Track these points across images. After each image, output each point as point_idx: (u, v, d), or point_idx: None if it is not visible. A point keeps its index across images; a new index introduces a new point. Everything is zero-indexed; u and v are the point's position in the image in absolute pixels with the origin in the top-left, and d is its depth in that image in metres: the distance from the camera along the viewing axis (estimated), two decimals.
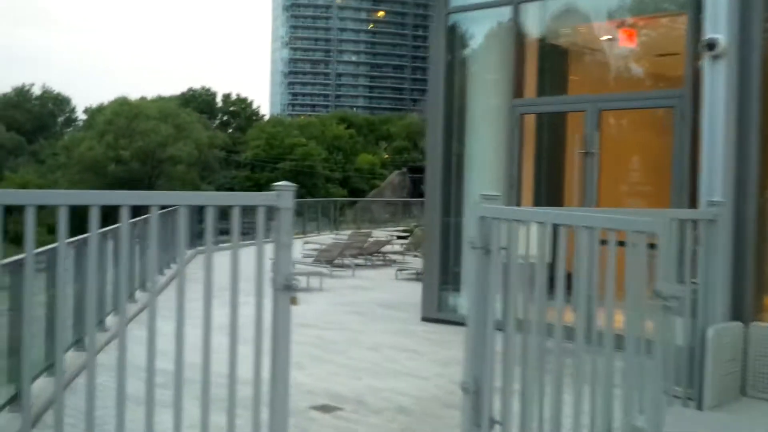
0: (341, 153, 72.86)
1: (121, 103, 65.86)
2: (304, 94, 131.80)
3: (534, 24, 9.12)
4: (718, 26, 5.90)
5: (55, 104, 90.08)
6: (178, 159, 61.29)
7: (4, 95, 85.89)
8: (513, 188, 8.99)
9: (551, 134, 9.62)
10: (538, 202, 9.29)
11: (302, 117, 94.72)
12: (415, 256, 16.16)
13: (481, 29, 9.67)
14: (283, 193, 3.98)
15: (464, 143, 9.73)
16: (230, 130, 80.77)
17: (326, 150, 70.91)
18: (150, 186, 60.34)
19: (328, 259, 14.81)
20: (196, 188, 63.45)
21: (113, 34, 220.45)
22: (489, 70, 9.67)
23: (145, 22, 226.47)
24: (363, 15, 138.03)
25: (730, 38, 5.88)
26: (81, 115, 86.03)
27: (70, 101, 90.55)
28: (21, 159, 74.33)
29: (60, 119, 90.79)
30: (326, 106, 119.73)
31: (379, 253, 17.11)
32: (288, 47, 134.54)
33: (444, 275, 9.68)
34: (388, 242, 17.55)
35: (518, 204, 8.90)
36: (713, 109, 6.02)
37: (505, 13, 9.14)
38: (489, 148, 9.56)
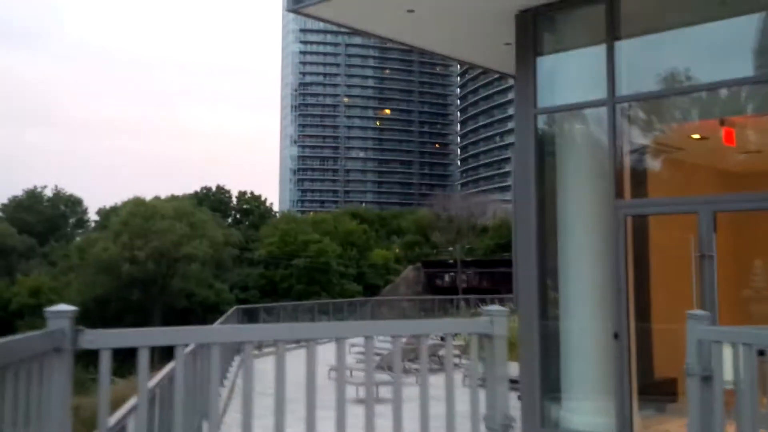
0: (355, 248, 72.74)
1: (137, 204, 66.18)
2: (313, 191, 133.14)
3: (632, 123, 8.95)
4: None
5: (67, 206, 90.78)
6: (193, 258, 61.08)
7: (16, 198, 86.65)
8: (621, 293, 8.59)
9: (659, 236, 9.30)
10: (644, 308, 8.88)
11: (312, 213, 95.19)
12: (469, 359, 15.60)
13: (574, 128, 9.49)
14: (497, 318, 3.64)
15: (558, 245, 9.40)
16: (243, 228, 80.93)
17: (340, 246, 70.81)
18: (164, 286, 59.99)
19: (389, 364, 14.24)
20: (210, 287, 63.05)
21: (123, 133, 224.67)
22: (585, 170, 9.42)
23: (153, 120, 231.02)
24: (370, 113, 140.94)
25: None
26: (93, 216, 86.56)
27: (81, 202, 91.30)
28: (33, 261, 74.19)
29: (71, 220, 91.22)
30: (335, 202, 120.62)
31: (434, 356, 16.55)
32: (297, 145, 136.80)
33: (544, 385, 9.16)
34: (442, 345, 17.01)
35: (626, 311, 8.50)
36: None
37: (600, 112, 8.97)
38: (587, 250, 9.21)
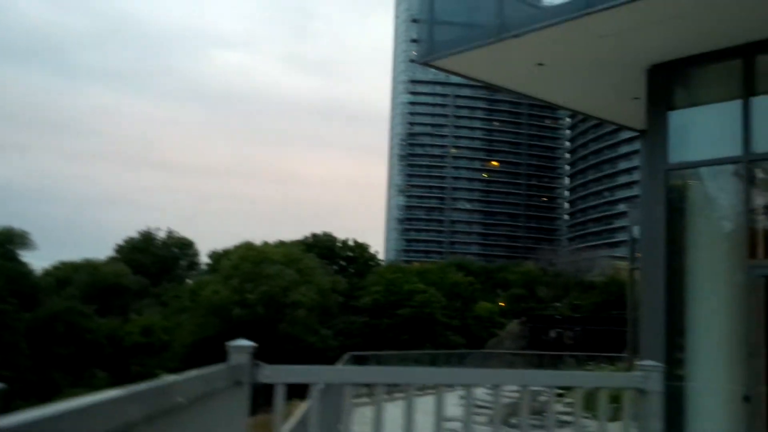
0: (460, 300, 72.26)
1: (247, 248, 68.25)
2: (418, 241, 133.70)
3: (763, 182, 8.73)
4: None
5: (179, 248, 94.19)
6: (301, 304, 62.22)
7: (131, 240, 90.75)
8: (753, 355, 8.30)
9: None
10: None
11: (416, 263, 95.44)
12: (585, 416, 15.19)
13: (706, 185, 9.33)
14: (652, 374, 3.65)
15: (687, 304, 9.18)
16: (348, 275, 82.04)
17: (445, 297, 70.53)
18: (273, 330, 61.26)
19: (509, 417, 14.06)
20: (316, 333, 63.93)
21: (232, 176, 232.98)
22: (716, 228, 9.23)
23: (260, 164, 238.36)
24: (477, 164, 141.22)
25: None
26: (204, 258, 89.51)
27: (193, 245, 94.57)
28: (146, 301, 77.26)
29: (183, 262, 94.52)
30: (440, 253, 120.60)
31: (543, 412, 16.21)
32: (403, 194, 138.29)
33: None
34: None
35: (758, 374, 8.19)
36: None
37: (733, 169, 8.80)
38: (717, 310, 8.96)
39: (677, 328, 9.14)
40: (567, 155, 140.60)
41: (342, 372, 3.46)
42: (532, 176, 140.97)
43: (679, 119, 9.18)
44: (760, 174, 8.67)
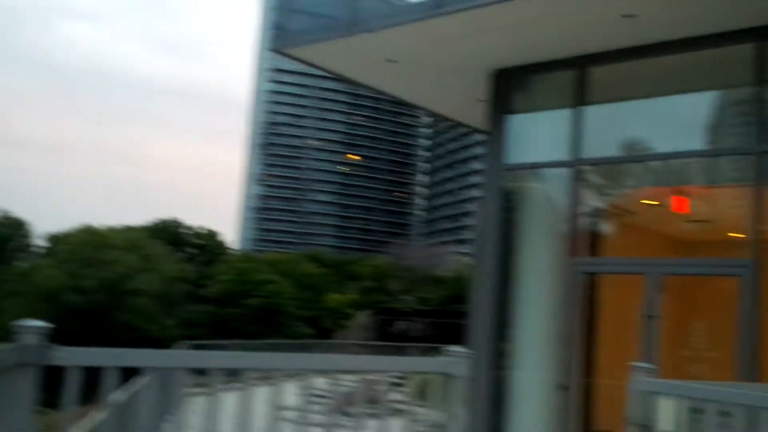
0: (310, 291, 72.32)
1: (87, 232, 65.00)
2: (273, 231, 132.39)
3: (591, 185, 9.39)
4: None
5: (12, 228, 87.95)
6: (143, 291, 60.04)
7: None
8: (569, 346, 8.91)
9: (609, 295, 9.67)
10: (591, 362, 9.19)
11: (270, 253, 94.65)
12: (420, 405, 15.71)
13: (537, 187, 9.90)
14: (459, 359, 3.81)
15: (514, 298, 9.72)
16: (197, 263, 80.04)
17: (296, 288, 70.35)
18: (109, 318, 58.72)
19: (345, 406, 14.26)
20: (159, 322, 61.90)
21: (85, 157, 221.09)
22: (544, 228, 9.82)
23: (106, 143, 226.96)
24: (336, 157, 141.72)
25: None
26: (37, 241, 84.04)
27: (25, 225, 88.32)
28: None
29: (14, 244, 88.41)
30: (295, 244, 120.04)
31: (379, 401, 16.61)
32: (261, 184, 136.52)
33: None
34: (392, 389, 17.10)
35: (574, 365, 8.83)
36: None
37: (563, 173, 9.40)
38: (541, 304, 9.55)
39: (504, 321, 9.65)
40: (425, 153, 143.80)
41: (144, 355, 3.29)
42: (391, 171, 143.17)
43: (518, 123, 9.70)
44: (586, 178, 9.31)
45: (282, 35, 9.86)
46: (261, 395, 3.48)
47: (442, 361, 3.70)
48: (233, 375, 3.87)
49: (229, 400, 3.38)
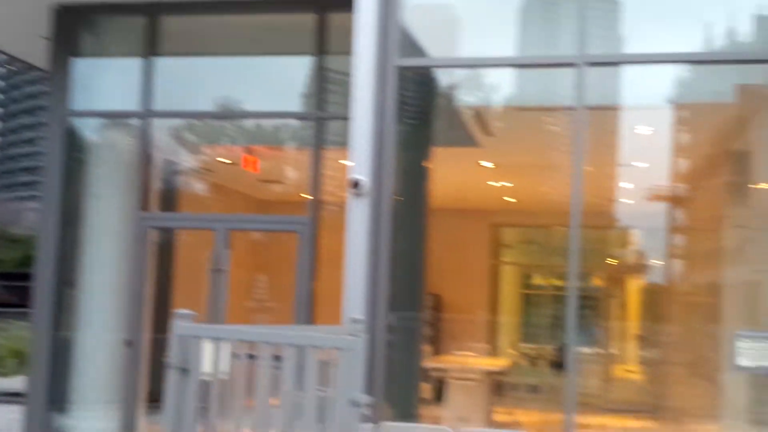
0: None
1: None
2: None
3: (167, 139, 9.23)
4: (362, 169, 6.82)
5: None
6: None
7: None
8: (136, 302, 8.76)
9: (183, 251, 9.66)
10: (163, 318, 9.12)
11: None
12: None
13: (108, 138, 9.40)
14: None
15: (81, 256, 9.20)
16: None
17: None
18: None
19: None
20: None
21: None
22: (113, 180, 9.37)
23: None
24: None
25: (371, 179, 6.83)
26: None
27: None
28: None
29: None
30: None
31: None
32: None
33: (52, 396, 8.84)
34: None
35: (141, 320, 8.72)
36: (355, 239, 6.84)
37: (132, 123, 9.10)
38: (110, 261, 9.17)
39: (70, 280, 9.10)
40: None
41: None
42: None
43: (86, 66, 9.08)
44: (158, 131, 9.13)
45: None
46: None
47: None
48: None
49: None
